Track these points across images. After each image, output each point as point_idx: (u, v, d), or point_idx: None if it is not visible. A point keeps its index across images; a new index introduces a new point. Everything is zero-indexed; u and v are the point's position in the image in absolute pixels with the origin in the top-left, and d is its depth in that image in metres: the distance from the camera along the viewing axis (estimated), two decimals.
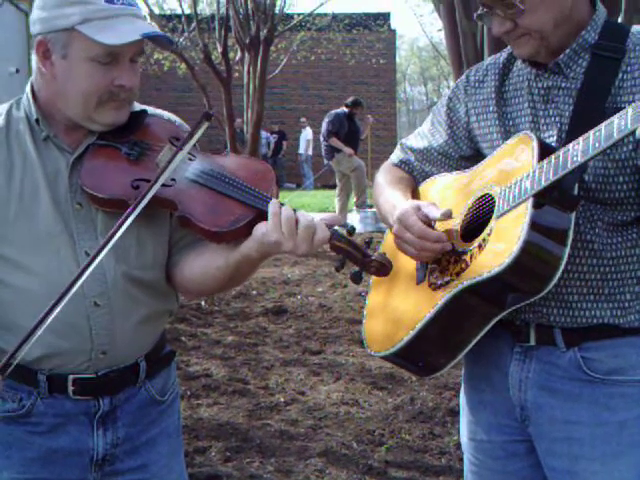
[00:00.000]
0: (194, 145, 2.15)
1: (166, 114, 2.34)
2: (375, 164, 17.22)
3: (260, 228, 2.00)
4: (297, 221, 1.99)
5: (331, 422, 5.24)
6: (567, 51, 2.16)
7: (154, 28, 2.11)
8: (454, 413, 5.24)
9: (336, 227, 2.06)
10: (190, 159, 2.15)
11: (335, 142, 13.53)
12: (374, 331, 2.41)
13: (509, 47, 2.34)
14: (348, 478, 4.46)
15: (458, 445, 4.76)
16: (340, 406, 5.51)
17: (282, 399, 5.65)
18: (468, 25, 9.25)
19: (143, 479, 2.28)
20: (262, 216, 2.03)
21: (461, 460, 4.55)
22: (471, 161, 2.38)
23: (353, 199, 14.19)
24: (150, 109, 2.31)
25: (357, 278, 2.10)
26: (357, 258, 2.07)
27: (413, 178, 2.51)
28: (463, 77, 2.44)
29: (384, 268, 2.09)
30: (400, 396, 5.62)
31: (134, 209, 2.02)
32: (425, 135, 2.51)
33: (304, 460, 4.67)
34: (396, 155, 2.58)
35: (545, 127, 2.20)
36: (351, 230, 2.07)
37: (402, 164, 2.54)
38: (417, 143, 2.52)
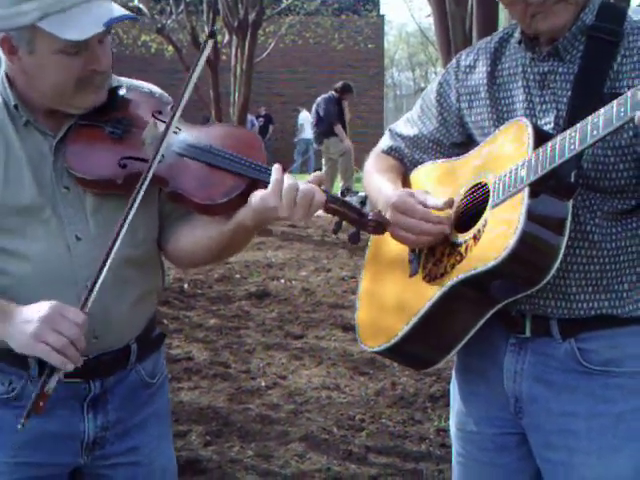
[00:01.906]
0: (179, 117, 2.11)
1: (146, 86, 2.30)
2: (362, 148, 17.24)
3: (257, 194, 1.98)
4: (297, 188, 1.96)
5: (312, 407, 5.23)
6: (567, 34, 2.10)
7: (115, 9, 2.05)
8: (434, 399, 5.26)
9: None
10: (175, 132, 2.12)
11: (339, 130, 13.53)
12: (367, 325, 2.37)
13: (500, 30, 2.29)
14: (328, 463, 4.45)
15: (438, 431, 4.79)
16: (321, 391, 5.50)
17: (263, 383, 5.64)
18: (457, 10, 9.22)
19: (134, 461, 2.27)
20: (254, 185, 2.01)
21: (441, 446, 4.59)
22: (463, 148, 2.32)
23: (339, 183, 14.17)
24: (127, 81, 2.27)
25: (355, 238, 2.08)
26: (354, 218, 2.04)
27: (403, 165, 2.46)
28: (453, 62, 2.38)
29: (381, 226, 2.05)
30: (381, 381, 5.62)
31: (137, 194, 2.00)
32: (415, 122, 2.45)
33: (284, 445, 4.66)
34: (385, 142, 2.52)
35: (542, 114, 2.14)
36: (345, 191, 2.05)
37: (392, 151, 2.49)
38: (407, 130, 2.47)
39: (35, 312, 1.93)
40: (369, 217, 2.04)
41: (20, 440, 2.14)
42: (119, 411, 2.23)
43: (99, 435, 2.21)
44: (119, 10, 2.05)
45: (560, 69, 2.12)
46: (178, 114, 2.08)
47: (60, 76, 2.03)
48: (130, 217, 2.00)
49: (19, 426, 1.92)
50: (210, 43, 2.09)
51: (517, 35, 2.22)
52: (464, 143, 2.34)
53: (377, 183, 2.37)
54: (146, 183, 2.02)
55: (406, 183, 2.39)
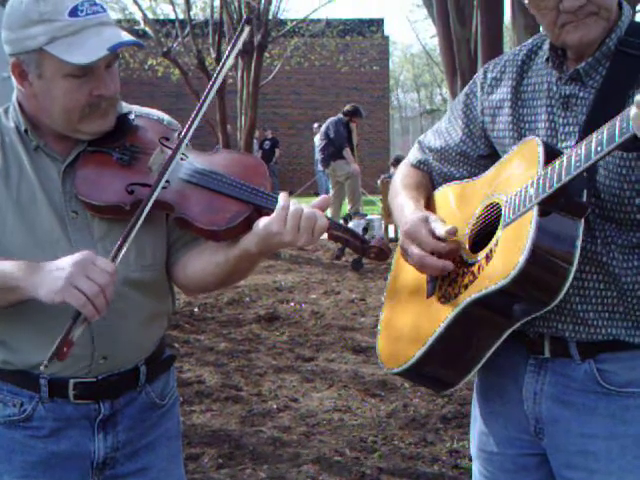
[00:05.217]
0: (186, 144, 2.15)
1: (154, 113, 2.33)
2: (367, 170, 17.26)
3: (262, 220, 2.01)
4: (301, 214, 1.99)
5: (324, 429, 5.23)
6: (589, 59, 2.08)
7: (122, 34, 2.08)
8: (447, 420, 5.25)
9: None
10: (182, 159, 2.15)
11: (348, 153, 13.53)
12: (387, 347, 2.37)
13: (529, 42, 2.27)
14: None
15: (451, 452, 4.78)
16: (333, 413, 5.50)
17: (275, 406, 5.65)
18: (462, 31, 9.29)
19: None
20: (259, 211, 2.04)
21: (454, 467, 4.58)
22: (489, 161, 2.29)
23: (347, 206, 14.18)
24: (137, 109, 2.30)
25: (357, 265, 2.10)
26: (356, 245, 2.07)
27: (431, 179, 2.44)
28: (480, 73, 2.35)
29: (383, 253, 2.08)
30: (393, 403, 5.62)
31: (138, 219, 2.03)
32: (442, 133, 2.42)
33: (297, 467, 4.65)
34: (414, 155, 2.50)
35: (564, 136, 2.11)
36: (347, 218, 2.07)
37: (420, 164, 2.46)
38: (435, 142, 2.44)
39: (67, 260, 1.96)
40: (371, 244, 2.07)
41: (31, 460, 2.17)
42: (129, 432, 2.24)
43: (109, 455, 2.22)
44: (127, 36, 2.09)
45: (581, 93, 2.10)
46: (185, 141, 2.11)
47: (68, 100, 2.06)
48: (129, 240, 2.02)
49: (42, 367, 1.93)
50: (247, 29, 2.09)
51: (545, 49, 2.19)
52: (490, 155, 2.31)
53: (400, 200, 2.36)
54: (147, 209, 2.04)
55: (430, 202, 2.38)
